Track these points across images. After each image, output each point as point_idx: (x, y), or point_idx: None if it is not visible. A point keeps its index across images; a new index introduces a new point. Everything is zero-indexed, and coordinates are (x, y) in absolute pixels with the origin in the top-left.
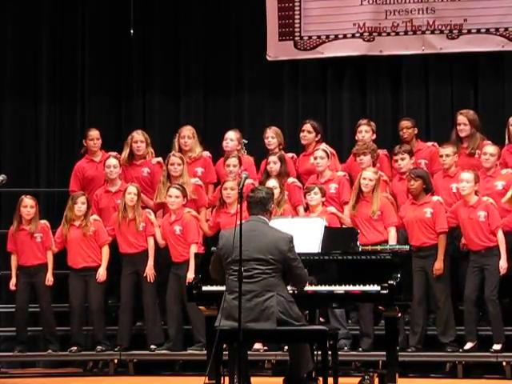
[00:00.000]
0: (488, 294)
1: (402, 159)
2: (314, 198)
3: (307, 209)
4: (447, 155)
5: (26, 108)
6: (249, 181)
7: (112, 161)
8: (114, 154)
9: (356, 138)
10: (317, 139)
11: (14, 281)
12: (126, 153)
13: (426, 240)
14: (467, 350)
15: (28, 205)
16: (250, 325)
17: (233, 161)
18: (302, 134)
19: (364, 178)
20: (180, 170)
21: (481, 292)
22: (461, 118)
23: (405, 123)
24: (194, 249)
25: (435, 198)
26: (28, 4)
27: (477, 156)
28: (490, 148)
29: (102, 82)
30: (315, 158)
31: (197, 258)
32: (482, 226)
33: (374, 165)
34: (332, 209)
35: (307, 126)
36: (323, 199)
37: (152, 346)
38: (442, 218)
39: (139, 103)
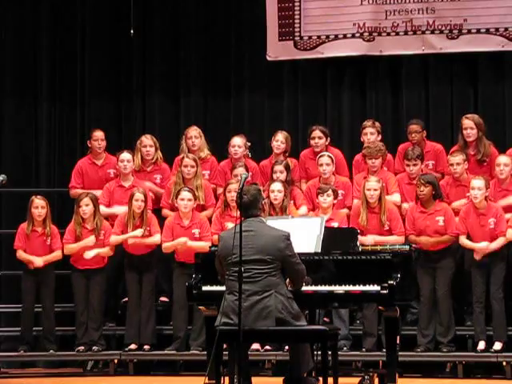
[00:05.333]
0: (493, 292)
1: (415, 165)
2: (327, 200)
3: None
4: (458, 163)
5: (26, 108)
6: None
7: (126, 155)
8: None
9: (362, 140)
10: (327, 143)
11: (36, 261)
12: (138, 159)
13: (435, 246)
14: (499, 351)
15: (39, 205)
16: (249, 324)
17: (240, 170)
18: (312, 142)
19: (368, 189)
20: (193, 172)
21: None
22: (467, 123)
23: (414, 127)
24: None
25: (444, 204)
26: (28, 4)
27: (485, 164)
28: (504, 158)
29: (102, 82)
30: (321, 165)
31: (197, 258)
32: (492, 232)
33: (381, 167)
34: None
35: (317, 133)
36: (335, 201)
37: (146, 347)
38: (453, 223)
39: (139, 103)
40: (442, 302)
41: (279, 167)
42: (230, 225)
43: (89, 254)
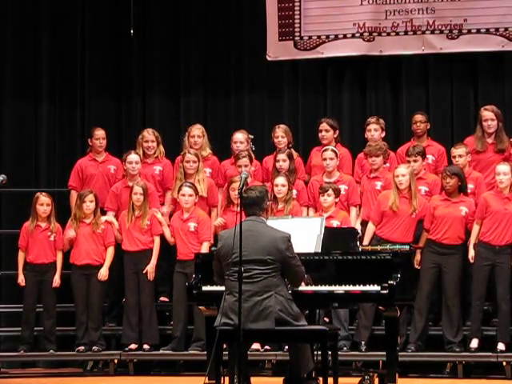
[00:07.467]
0: (501, 292)
1: (415, 161)
2: (328, 199)
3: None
4: (460, 155)
5: (26, 108)
6: None
7: (134, 157)
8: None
9: (366, 136)
10: (335, 135)
11: (22, 277)
12: (141, 152)
13: (452, 237)
14: (476, 349)
15: (44, 202)
16: (249, 325)
17: (244, 161)
18: (320, 135)
19: (397, 176)
20: (195, 167)
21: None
22: (487, 114)
23: (419, 117)
24: (206, 246)
25: (470, 198)
26: (28, 4)
27: (504, 154)
28: None
29: (102, 82)
30: (324, 159)
31: (197, 258)
32: None
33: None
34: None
35: (324, 126)
36: (337, 200)
37: (145, 346)
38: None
39: (139, 103)
40: (452, 302)
41: (282, 156)
42: None
43: (69, 234)
